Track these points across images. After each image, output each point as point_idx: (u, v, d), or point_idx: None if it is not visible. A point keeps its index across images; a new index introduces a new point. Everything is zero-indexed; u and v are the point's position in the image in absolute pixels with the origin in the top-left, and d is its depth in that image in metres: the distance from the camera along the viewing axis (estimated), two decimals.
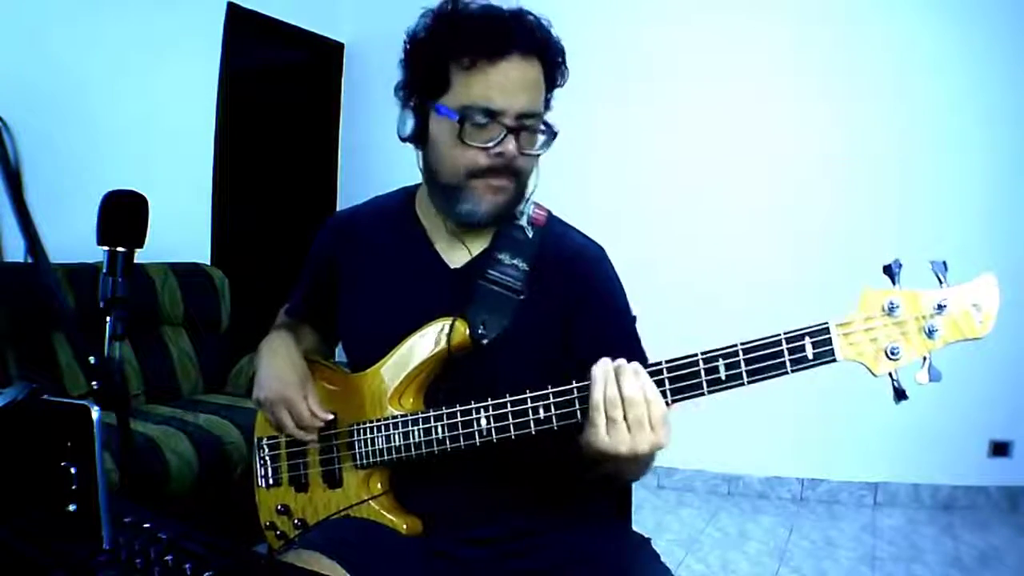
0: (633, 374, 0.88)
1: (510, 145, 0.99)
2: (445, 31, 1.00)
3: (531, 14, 1.02)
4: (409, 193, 1.20)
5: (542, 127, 1.03)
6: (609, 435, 0.88)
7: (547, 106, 1.05)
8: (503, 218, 1.08)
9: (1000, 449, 3.23)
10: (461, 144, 1.00)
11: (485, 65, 0.97)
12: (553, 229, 1.14)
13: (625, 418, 0.87)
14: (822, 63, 3.30)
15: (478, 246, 1.12)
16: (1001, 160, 3.15)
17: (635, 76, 3.54)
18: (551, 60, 1.02)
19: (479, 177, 1.02)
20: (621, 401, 0.87)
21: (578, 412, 0.93)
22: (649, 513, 3.03)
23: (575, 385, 0.94)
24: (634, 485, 1.22)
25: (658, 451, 0.90)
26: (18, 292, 2.35)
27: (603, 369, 0.89)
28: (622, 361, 0.90)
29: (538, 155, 1.04)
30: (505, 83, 0.97)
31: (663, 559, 1.10)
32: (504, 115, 0.98)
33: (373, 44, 4.02)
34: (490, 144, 0.99)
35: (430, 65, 1.00)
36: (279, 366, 1.16)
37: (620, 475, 0.94)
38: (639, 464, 0.91)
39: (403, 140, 1.07)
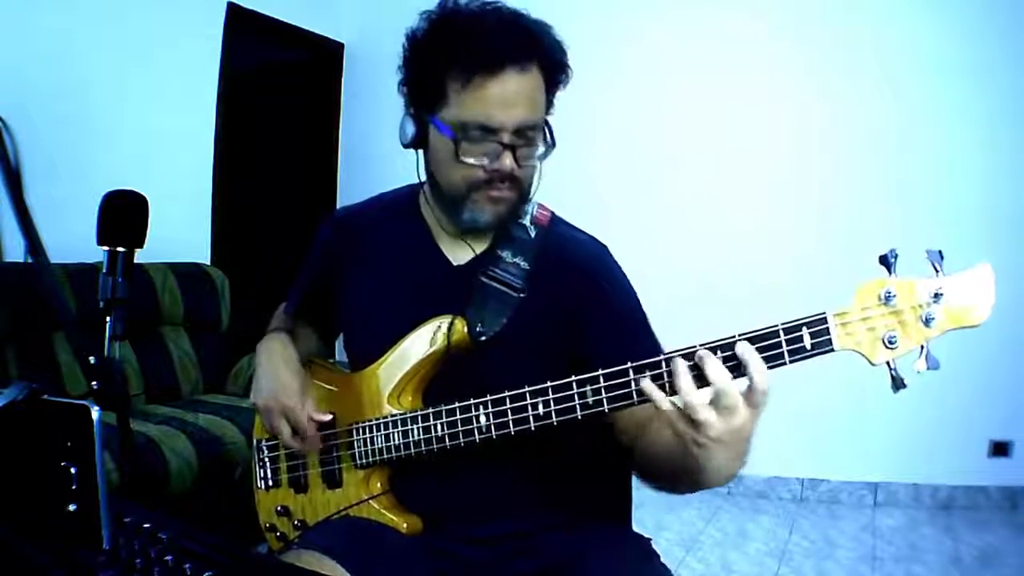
0: (714, 361, 0.81)
1: (507, 161, 0.99)
2: (440, 44, 0.98)
3: (528, 19, 1.00)
4: (413, 190, 1.19)
5: (542, 135, 1.02)
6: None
7: (548, 110, 1.04)
8: (506, 222, 1.08)
9: (1000, 449, 3.23)
10: (458, 160, 0.99)
11: (480, 81, 0.95)
12: (556, 229, 1.14)
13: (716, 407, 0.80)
14: (822, 63, 3.30)
15: (481, 244, 1.12)
16: (1001, 159, 3.15)
17: (636, 73, 3.54)
18: (551, 65, 1.01)
19: (479, 190, 1.02)
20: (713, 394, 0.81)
21: (577, 407, 0.93)
22: (649, 513, 3.03)
23: (574, 379, 0.93)
24: (634, 484, 1.22)
25: (749, 436, 0.83)
26: (18, 292, 2.35)
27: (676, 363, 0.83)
28: (703, 352, 0.83)
29: (535, 167, 1.04)
30: (501, 99, 0.96)
31: (663, 559, 1.10)
32: (501, 130, 0.97)
33: (373, 44, 4.02)
34: (486, 161, 0.99)
35: (426, 78, 1.00)
36: (277, 372, 1.15)
37: (707, 467, 0.84)
38: (731, 451, 0.83)
39: (404, 147, 1.07)
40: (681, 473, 0.91)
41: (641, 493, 1.20)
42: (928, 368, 0.82)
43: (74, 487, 0.74)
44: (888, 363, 0.83)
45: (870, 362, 0.83)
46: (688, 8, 3.47)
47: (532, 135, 1.00)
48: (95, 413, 0.73)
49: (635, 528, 1.21)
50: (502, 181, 1.01)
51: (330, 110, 4.20)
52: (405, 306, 1.11)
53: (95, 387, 0.88)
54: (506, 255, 1.09)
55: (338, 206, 4.18)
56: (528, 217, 1.12)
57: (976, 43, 3.14)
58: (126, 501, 0.86)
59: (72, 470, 0.73)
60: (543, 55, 0.99)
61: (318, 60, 4.15)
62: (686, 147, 3.50)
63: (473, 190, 1.02)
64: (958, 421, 3.18)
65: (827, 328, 0.82)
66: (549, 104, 1.04)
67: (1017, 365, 3.09)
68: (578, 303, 1.08)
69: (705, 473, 0.86)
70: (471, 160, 0.99)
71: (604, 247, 1.16)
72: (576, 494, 1.15)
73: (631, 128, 3.56)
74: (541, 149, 1.03)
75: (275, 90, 4.29)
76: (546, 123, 1.03)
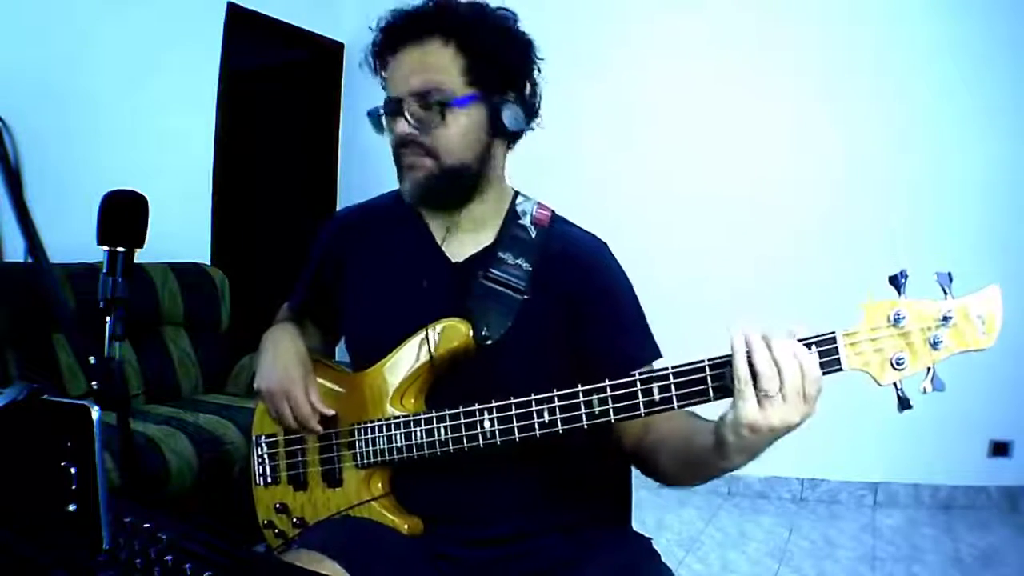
0: (787, 341, 0.81)
1: (397, 126, 1.05)
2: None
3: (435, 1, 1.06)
4: None
5: (451, 103, 1.03)
6: (762, 408, 0.80)
7: (474, 80, 1.04)
8: (437, 196, 1.09)
9: (1000, 449, 3.23)
10: (385, 134, 1.09)
11: (389, 59, 1.07)
12: (556, 228, 1.15)
13: (781, 389, 0.79)
14: (822, 63, 3.30)
15: (480, 242, 1.13)
16: (1002, 161, 3.15)
17: (632, 76, 3.54)
18: (458, 33, 1.03)
19: (398, 161, 1.08)
20: (777, 371, 0.79)
21: (584, 416, 0.93)
22: (649, 513, 3.03)
23: (580, 388, 0.93)
24: (634, 485, 1.22)
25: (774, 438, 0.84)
26: (18, 292, 2.35)
27: (751, 337, 0.81)
28: (767, 327, 0.82)
29: (444, 129, 1.04)
30: (399, 72, 1.05)
31: (663, 559, 1.10)
32: (403, 101, 1.04)
33: None
34: (391, 128, 1.06)
35: (375, 67, 1.11)
36: (283, 358, 1.16)
37: (742, 452, 0.85)
38: (768, 443, 0.84)
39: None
40: (692, 466, 0.95)
41: (641, 493, 1.20)
42: (934, 390, 0.82)
43: (74, 487, 0.73)
44: (895, 384, 0.83)
45: (877, 383, 0.83)
46: (686, 9, 3.46)
47: (432, 100, 1.03)
48: (95, 413, 0.73)
49: (635, 528, 1.21)
50: (403, 146, 1.06)
51: (330, 110, 4.20)
52: (406, 305, 1.11)
53: (95, 387, 0.88)
54: (507, 256, 1.09)
55: (338, 206, 4.18)
56: (528, 217, 1.12)
57: (977, 43, 3.14)
58: (126, 501, 0.86)
59: (72, 470, 0.73)
60: (446, 27, 1.03)
61: (318, 60, 4.14)
62: (685, 147, 3.49)
63: (398, 162, 1.08)
64: (958, 421, 3.17)
65: (836, 348, 0.82)
66: (480, 76, 1.04)
67: (1017, 366, 3.08)
68: (578, 298, 1.09)
69: (719, 469, 0.90)
70: (390, 132, 1.07)
71: (603, 244, 1.17)
72: (577, 495, 1.15)
73: (628, 134, 3.56)
74: (448, 113, 1.03)
75: (275, 90, 4.30)
76: (493, 97, 1.05)
